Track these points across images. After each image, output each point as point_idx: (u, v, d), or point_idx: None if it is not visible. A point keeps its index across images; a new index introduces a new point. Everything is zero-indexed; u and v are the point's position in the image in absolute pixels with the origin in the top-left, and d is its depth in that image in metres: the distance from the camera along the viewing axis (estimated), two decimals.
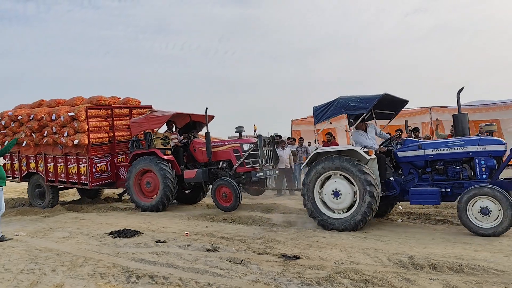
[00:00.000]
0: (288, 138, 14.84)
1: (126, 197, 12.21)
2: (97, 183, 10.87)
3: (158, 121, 10.25)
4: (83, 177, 10.80)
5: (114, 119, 11.24)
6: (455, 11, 61.81)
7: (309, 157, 7.47)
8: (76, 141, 10.42)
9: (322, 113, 7.46)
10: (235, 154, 9.69)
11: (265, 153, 9.53)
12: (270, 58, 70.91)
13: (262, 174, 9.56)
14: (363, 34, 67.66)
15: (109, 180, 11.10)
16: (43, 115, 11.14)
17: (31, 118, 11.41)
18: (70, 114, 10.56)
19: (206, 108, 9.88)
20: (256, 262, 5.19)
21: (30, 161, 11.91)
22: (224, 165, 9.80)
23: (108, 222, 8.43)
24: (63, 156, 11.09)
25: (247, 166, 9.58)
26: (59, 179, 11.36)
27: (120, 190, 12.70)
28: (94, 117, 10.81)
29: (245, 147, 9.66)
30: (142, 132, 10.48)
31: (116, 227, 7.67)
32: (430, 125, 16.71)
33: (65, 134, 10.64)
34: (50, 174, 11.46)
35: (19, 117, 11.67)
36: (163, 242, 6.46)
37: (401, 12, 67.71)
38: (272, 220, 8.03)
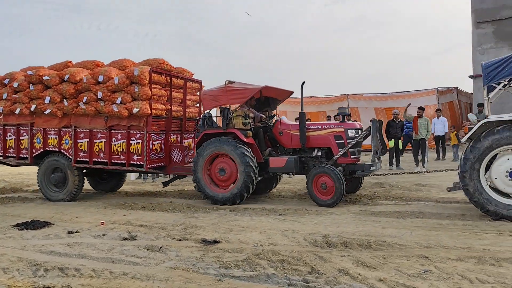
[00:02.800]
0: None
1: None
2: (153, 165, 8.77)
3: (241, 95, 8.22)
4: (135, 157, 8.63)
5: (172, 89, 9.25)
6: (370, 3, 65.20)
7: (474, 128, 6.11)
8: (135, 110, 8.31)
9: (498, 70, 6.15)
10: (336, 141, 7.92)
11: (378, 141, 7.86)
12: (194, 43, 69.72)
13: (375, 168, 7.90)
14: (286, 22, 68.97)
15: (161, 163, 9.02)
16: (83, 76, 8.85)
17: (65, 79, 8.93)
18: (135, 73, 8.28)
19: (303, 83, 8.09)
20: (175, 249, 5.11)
21: (49, 136, 9.30)
22: (320, 153, 8.10)
23: (14, 214, 7.79)
24: (106, 130, 8.82)
25: (351, 156, 7.91)
26: (95, 159, 8.98)
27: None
28: (155, 83, 8.74)
29: (350, 133, 7.91)
30: (215, 108, 8.76)
31: (24, 219, 7.12)
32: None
33: (118, 101, 8.47)
34: (82, 153, 9.02)
35: (46, 78, 9.03)
36: (76, 232, 6.12)
37: (321, 2, 70.02)
38: (195, 206, 7.97)
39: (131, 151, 8.62)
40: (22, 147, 9.63)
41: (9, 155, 9.80)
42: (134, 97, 8.46)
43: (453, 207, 6.95)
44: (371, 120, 7.89)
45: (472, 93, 22.87)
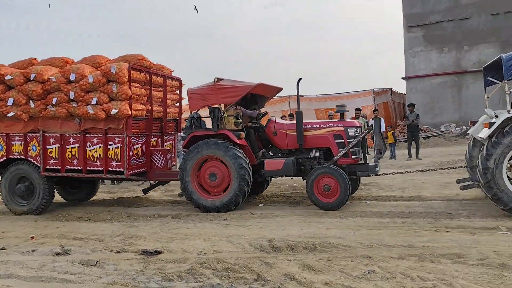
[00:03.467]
0: None
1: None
2: (134, 171, 8.00)
3: (233, 94, 7.62)
4: (114, 163, 7.86)
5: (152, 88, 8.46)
6: (307, 7, 66.89)
7: (497, 123, 5.89)
8: (114, 111, 7.52)
9: None
10: (336, 141, 7.48)
11: (380, 141, 7.61)
12: (130, 44, 67.67)
13: (378, 168, 7.58)
14: (225, 23, 68.97)
15: (143, 169, 8.26)
16: (52, 75, 7.88)
17: (31, 79, 7.95)
18: (112, 70, 7.47)
19: (300, 79, 7.70)
20: (114, 262, 4.80)
21: (13, 142, 8.31)
22: (318, 154, 7.63)
23: None
24: (80, 134, 7.98)
25: (352, 156, 7.49)
26: (68, 166, 8.10)
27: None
28: (134, 81, 7.94)
29: (351, 131, 7.50)
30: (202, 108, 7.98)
31: None
32: (290, 111, 17.76)
33: (93, 102, 7.65)
34: (52, 161, 8.11)
35: (8, 77, 8.02)
36: (2, 249, 5.59)
37: (260, 4, 70.79)
38: (135, 215, 7.60)
39: (109, 156, 7.85)
40: None
41: None
42: (112, 97, 7.69)
43: (392, 205, 7.17)
44: (373, 118, 7.58)
45: (405, 94, 24.07)
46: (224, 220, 6.78)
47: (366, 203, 7.47)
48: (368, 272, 4.03)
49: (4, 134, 8.34)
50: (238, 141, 7.45)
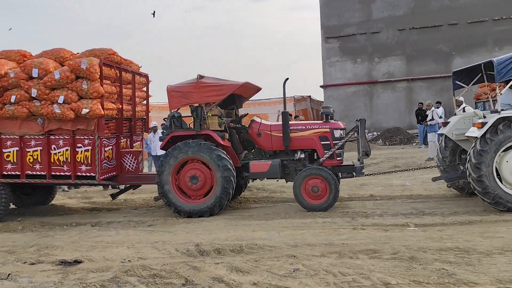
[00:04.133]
0: None
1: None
2: (105, 175, 7.39)
3: (217, 92, 7.31)
4: (83, 167, 7.19)
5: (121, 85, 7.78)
6: (227, 14, 67.66)
7: (490, 122, 6.18)
8: (85, 110, 6.89)
9: (510, 66, 6.26)
10: (322, 143, 7.39)
11: (366, 142, 7.40)
12: (41, 42, 63.27)
13: (364, 170, 7.56)
14: (143, 25, 67.36)
15: (113, 173, 7.67)
16: (9, 70, 7.06)
17: None
18: (82, 66, 6.81)
19: (286, 79, 7.54)
20: (28, 274, 4.47)
21: None
22: (303, 155, 7.51)
23: None
24: (43, 136, 7.23)
25: (337, 158, 7.43)
26: (29, 172, 7.31)
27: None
28: (105, 77, 7.28)
29: (336, 133, 7.45)
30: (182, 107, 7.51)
31: None
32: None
33: (60, 100, 6.94)
34: (9, 166, 7.29)
35: None
36: None
37: (181, 8, 70.23)
38: (50, 224, 7.11)
39: (78, 160, 7.21)
40: None
41: None
42: (81, 95, 7.07)
43: None
44: (358, 120, 7.58)
45: (323, 101, 25.29)
46: (148, 226, 6.62)
47: (290, 205, 7.74)
48: (293, 271, 4.19)
49: None
50: (222, 142, 7.21)
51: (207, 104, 7.33)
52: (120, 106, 7.80)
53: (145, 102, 9.05)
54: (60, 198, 9.76)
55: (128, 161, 7.97)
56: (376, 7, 23.45)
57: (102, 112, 7.04)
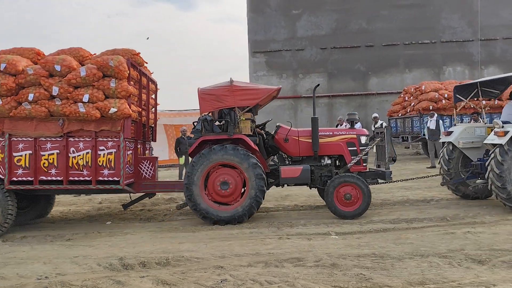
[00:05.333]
0: None
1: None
2: (128, 180, 6.76)
3: (252, 96, 7.13)
4: (105, 171, 6.60)
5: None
6: (154, 21, 66.56)
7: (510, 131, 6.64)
8: (113, 110, 6.43)
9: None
10: (349, 149, 7.39)
11: (392, 148, 7.28)
12: None
13: (392, 176, 7.53)
14: (63, 29, 63.97)
15: (132, 179, 7.05)
16: (28, 67, 6.45)
17: (1, 69, 6.46)
18: (110, 63, 6.35)
19: (317, 85, 7.58)
20: None
21: None
22: (329, 161, 7.42)
23: None
24: (61, 138, 6.58)
25: (363, 164, 7.45)
26: (43, 177, 6.56)
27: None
28: (131, 78, 6.85)
29: (363, 139, 7.47)
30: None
31: None
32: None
33: (85, 99, 6.37)
34: (20, 171, 6.55)
35: None
36: None
37: (104, 13, 67.82)
38: None
39: (100, 164, 6.65)
40: None
41: None
42: (107, 94, 6.58)
43: None
44: (384, 127, 7.64)
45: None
46: (67, 240, 6.26)
47: None
48: (221, 281, 4.23)
49: None
50: (254, 147, 7.08)
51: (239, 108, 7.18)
52: (140, 109, 7.56)
53: (153, 110, 8.70)
54: None
55: (145, 167, 7.53)
56: (301, 25, 24.55)
57: (130, 112, 6.69)
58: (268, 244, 5.60)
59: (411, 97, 16.81)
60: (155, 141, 8.61)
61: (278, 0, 24.76)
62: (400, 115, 17.25)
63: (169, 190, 7.74)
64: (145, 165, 7.53)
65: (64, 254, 5.44)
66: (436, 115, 14.05)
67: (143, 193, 7.74)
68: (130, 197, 8.00)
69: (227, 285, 4.14)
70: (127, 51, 7.13)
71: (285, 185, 7.57)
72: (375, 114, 13.99)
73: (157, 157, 8.00)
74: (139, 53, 7.27)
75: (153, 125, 8.65)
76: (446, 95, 15.36)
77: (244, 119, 7.17)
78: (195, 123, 7.44)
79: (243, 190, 7.06)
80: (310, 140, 7.41)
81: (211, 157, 6.87)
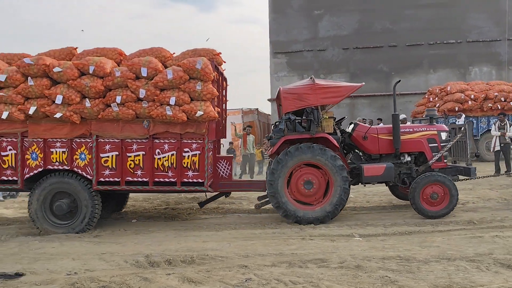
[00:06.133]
0: None
1: None
2: (209, 181, 6.83)
3: (335, 94, 7.09)
4: (190, 173, 6.69)
5: None
6: (174, 22, 67.22)
7: None
8: (199, 113, 6.44)
9: None
10: (430, 145, 7.33)
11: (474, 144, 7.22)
12: None
13: (476, 172, 7.43)
14: (86, 29, 65.20)
15: (211, 180, 7.04)
16: (115, 69, 6.52)
17: (90, 72, 6.48)
18: (197, 66, 6.40)
19: (398, 81, 7.57)
20: None
21: (53, 149, 6.67)
22: (409, 158, 7.35)
23: None
24: (147, 140, 6.67)
25: (444, 161, 7.43)
26: (129, 178, 6.69)
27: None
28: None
29: (443, 135, 7.41)
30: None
31: None
32: None
33: (172, 102, 6.41)
34: (107, 172, 6.67)
35: (57, 70, 6.42)
36: None
37: (125, 15, 68.88)
38: None
39: (184, 165, 6.73)
40: (6, 166, 6.74)
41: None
42: (193, 96, 6.63)
43: (263, 217, 7.63)
44: (466, 122, 7.61)
45: (270, 114, 25.74)
46: (94, 237, 6.41)
47: (239, 216, 7.81)
48: (246, 280, 4.27)
49: (41, 140, 6.71)
50: (338, 146, 7.07)
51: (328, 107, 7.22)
52: (219, 110, 7.54)
53: (223, 106, 8.53)
54: None
55: (222, 167, 7.51)
56: (323, 26, 24.40)
57: (216, 115, 6.70)
58: (291, 245, 5.61)
59: (436, 98, 16.53)
60: (226, 137, 8.60)
61: (300, 1, 24.68)
62: (424, 116, 16.97)
63: (245, 190, 7.77)
64: (222, 164, 7.51)
65: (92, 251, 5.58)
66: (463, 115, 13.80)
67: (219, 192, 7.67)
68: (206, 196, 7.99)
69: (252, 284, 4.18)
70: (208, 51, 7.04)
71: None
72: (403, 115, 13.84)
73: (232, 156, 8.00)
74: (220, 53, 7.17)
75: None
76: (472, 96, 15.06)
77: (327, 117, 7.18)
78: (277, 123, 7.44)
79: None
80: (390, 137, 7.34)
81: (297, 156, 6.86)
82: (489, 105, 14.86)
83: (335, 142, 6.99)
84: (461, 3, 23.30)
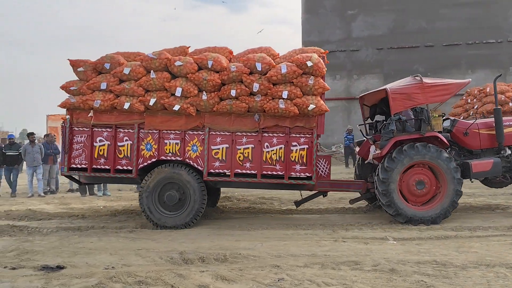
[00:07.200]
0: (45, 135, 13.33)
1: None
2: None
3: (444, 92, 7.10)
4: (297, 167, 6.86)
5: None
6: (206, 24, 68.01)
7: None
8: (312, 107, 6.62)
9: None
10: None
11: None
12: (18, 47, 61.93)
13: None
14: (120, 31, 67.03)
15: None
16: (231, 64, 6.81)
17: (209, 66, 6.80)
18: (310, 61, 6.61)
19: (499, 76, 7.67)
20: (9, 279, 4.39)
21: (166, 141, 7.01)
22: (510, 152, 7.35)
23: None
24: (256, 134, 6.90)
25: None
26: (238, 170, 6.94)
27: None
28: None
29: None
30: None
31: None
32: None
33: (284, 95, 6.65)
34: (217, 163, 6.94)
35: (178, 63, 6.80)
36: None
37: (158, 17, 70.34)
38: (28, 229, 6.98)
39: (292, 159, 6.88)
40: (121, 156, 7.09)
41: (98, 167, 7.12)
42: (304, 91, 6.79)
43: (295, 218, 7.63)
44: None
45: None
46: (130, 233, 6.59)
47: (271, 216, 7.84)
48: (278, 280, 4.28)
49: (156, 131, 7.04)
50: (448, 144, 7.08)
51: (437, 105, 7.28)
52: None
53: None
54: (37, 203, 9.58)
55: (321, 166, 7.41)
56: (357, 26, 24.11)
57: (327, 108, 6.80)
58: (324, 246, 5.59)
59: (474, 100, 16.00)
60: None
61: (334, 1, 24.48)
62: (462, 118, 16.46)
63: (344, 190, 7.75)
64: (321, 163, 7.41)
65: (128, 246, 5.74)
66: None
67: (317, 191, 7.63)
68: (301, 195, 8.00)
69: (284, 284, 4.19)
70: (315, 50, 7.20)
71: None
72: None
73: (331, 155, 8.04)
74: (327, 51, 7.31)
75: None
76: None
77: (436, 116, 7.17)
78: (387, 122, 7.39)
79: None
80: (491, 132, 7.32)
81: (412, 155, 6.85)
82: None
83: (445, 140, 6.98)
84: (500, 1, 22.49)
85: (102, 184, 11.10)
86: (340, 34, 24.26)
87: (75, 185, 10.91)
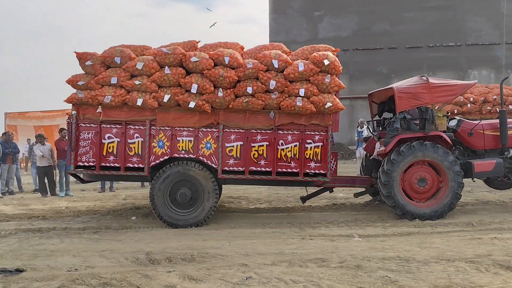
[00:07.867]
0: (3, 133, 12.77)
1: None
2: None
3: (450, 92, 7.22)
4: (312, 164, 6.83)
5: None
6: (173, 22, 67.24)
7: None
8: (328, 104, 6.60)
9: None
10: None
11: None
12: None
13: None
14: (82, 28, 65.30)
15: None
16: (248, 60, 6.67)
17: (225, 62, 6.56)
18: (327, 59, 6.58)
19: (506, 78, 7.75)
20: None
21: (179, 138, 6.78)
22: None
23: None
24: (271, 131, 6.79)
25: None
26: (253, 168, 6.80)
27: None
28: None
29: None
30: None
31: None
32: None
33: (301, 93, 6.56)
34: (231, 161, 6.80)
35: (194, 59, 6.57)
36: None
37: (124, 14, 68.98)
38: None
39: (307, 156, 6.83)
40: (132, 153, 6.81)
41: (108, 165, 6.83)
42: (320, 88, 6.73)
43: (262, 217, 7.64)
44: None
45: None
46: (94, 234, 6.41)
47: (239, 215, 7.82)
48: (246, 279, 4.28)
49: (169, 128, 6.80)
50: (451, 143, 7.23)
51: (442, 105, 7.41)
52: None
53: None
54: None
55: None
56: (323, 27, 24.49)
57: (343, 106, 6.80)
58: (291, 244, 5.63)
59: None
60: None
61: (301, 2, 24.76)
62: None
63: (349, 186, 7.89)
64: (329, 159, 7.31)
65: (92, 248, 5.58)
66: (458, 117, 13.82)
67: (322, 187, 7.71)
68: (306, 191, 7.99)
69: (252, 282, 4.19)
70: (327, 47, 7.17)
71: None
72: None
73: (337, 152, 8.08)
74: (338, 49, 7.30)
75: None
76: (471, 99, 15.11)
77: (440, 115, 7.30)
78: (392, 120, 7.43)
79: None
80: (496, 133, 7.49)
81: (410, 155, 6.97)
82: (488, 108, 14.93)
83: (448, 139, 7.14)
84: (460, 6, 23.41)
85: (64, 184, 10.78)
86: (306, 35, 24.56)
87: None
